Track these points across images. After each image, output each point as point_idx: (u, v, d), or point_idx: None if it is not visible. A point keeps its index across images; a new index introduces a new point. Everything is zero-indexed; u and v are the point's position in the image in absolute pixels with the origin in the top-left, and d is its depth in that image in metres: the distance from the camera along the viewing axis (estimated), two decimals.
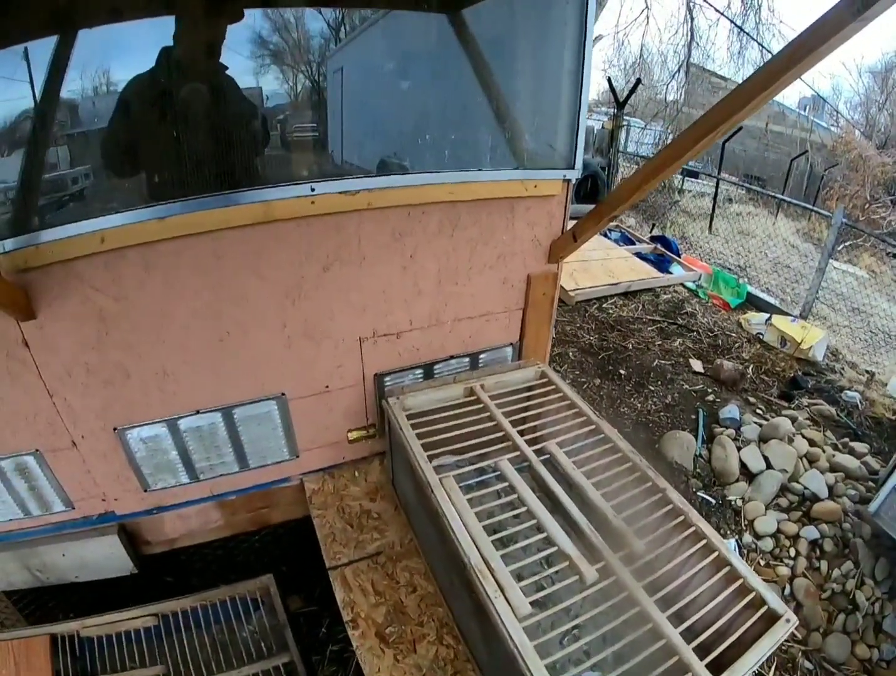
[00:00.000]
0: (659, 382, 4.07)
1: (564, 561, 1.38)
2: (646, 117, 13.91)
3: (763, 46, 10.70)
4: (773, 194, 9.00)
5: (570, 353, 4.28)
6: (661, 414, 3.77)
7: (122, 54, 1.67)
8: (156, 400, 1.82)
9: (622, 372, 4.12)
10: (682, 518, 1.54)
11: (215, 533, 2.21)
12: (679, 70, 12.13)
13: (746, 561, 2.85)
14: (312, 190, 1.61)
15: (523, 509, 1.48)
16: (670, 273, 5.77)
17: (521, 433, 1.76)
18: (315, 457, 2.12)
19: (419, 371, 2.11)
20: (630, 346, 4.45)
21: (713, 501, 3.18)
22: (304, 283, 1.76)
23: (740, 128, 9.62)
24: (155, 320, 1.70)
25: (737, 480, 3.28)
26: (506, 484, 1.55)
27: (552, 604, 1.33)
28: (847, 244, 8.69)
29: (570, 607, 1.33)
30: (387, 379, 2.05)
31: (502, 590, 1.29)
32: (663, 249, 6.27)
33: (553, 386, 1.93)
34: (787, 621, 1.39)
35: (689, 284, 5.77)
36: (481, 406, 1.82)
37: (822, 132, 15.83)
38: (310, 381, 1.94)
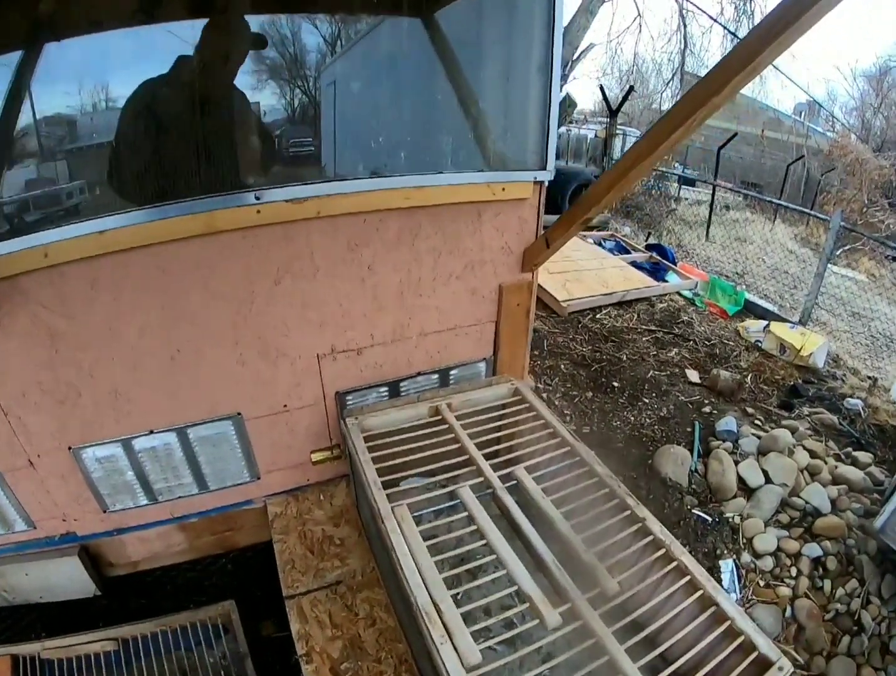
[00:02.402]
0: (653, 394, 3.81)
1: (525, 603, 1.19)
2: (641, 126, 13.70)
3: None
4: (770, 199, 8.74)
5: (562, 366, 4.06)
6: (656, 427, 3.49)
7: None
8: (109, 419, 1.69)
9: (615, 384, 3.88)
10: (663, 551, 1.34)
11: (180, 556, 2.06)
12: (673, 78, 11.89)
13: (745, 582, 2.62)
14: (257, 198, 1.45)
15: (482, 542, 1.30)
16: (666, 281, 5.53)
17: (491, 456, 1.57)
18: (278, 479, 1.95)
19: (384, 389, 1.93)
20: (624, 357, 4.22)
21: (709, 519, 2.93)
22: (255, 298, 1.60)
23: (735, 134, 9.39)
24: (104, 338, 1.57)
25: (734, 496, 3.01)
26: (465, 513, 1.36)
27: (511, 650, 1.14)
28: (846, 248, 8.40)
29: (529, 655, 1.14)
30: (349, 397, 1.88)
31: (450, 635, 1.10)
32: (659, 258, 6.05)
33: (526, 405, 1.75)
34: (780, 669, 1.18)
35: (686, 293, 5.52)
36: (446, 427, 1.64)
37: (819, 137, 15.48)
38: (267, 400, 1.77)
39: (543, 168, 1.79)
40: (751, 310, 5.45)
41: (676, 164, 11.92)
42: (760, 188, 13.44)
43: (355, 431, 1.59)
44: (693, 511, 2.94)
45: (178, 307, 1.57)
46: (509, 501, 1.40)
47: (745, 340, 4.75)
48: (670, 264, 5.94)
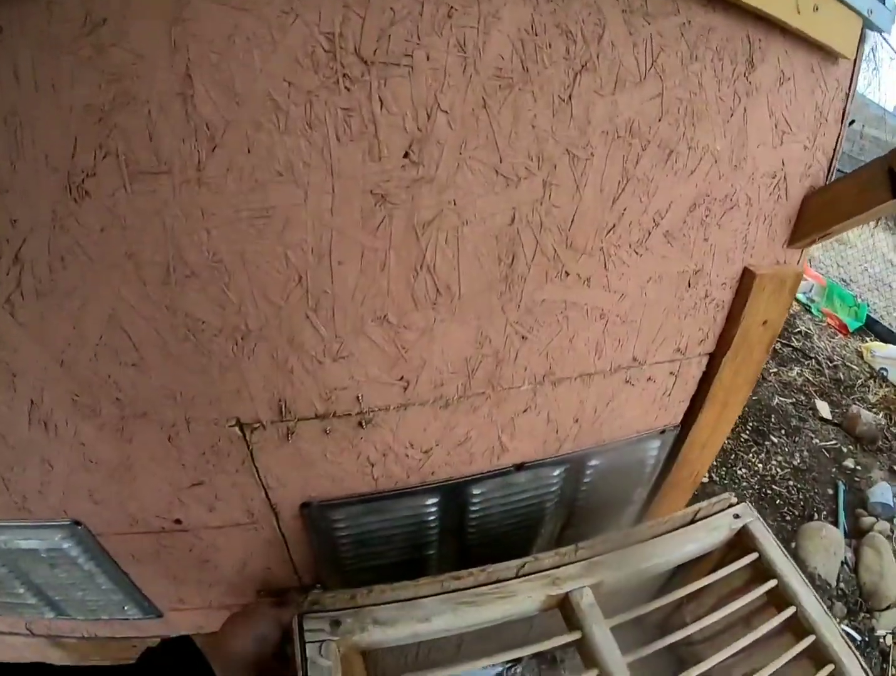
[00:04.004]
0: (782, 431, 2.76)
1: None
2: None
3: None
4: None
5: None
6: (790, 482, 2.41)
7: None
8: None
9: None
10: None
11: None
12: None
13: None
14: None
15: None
16: None
17: None
18: (194, 620, 0.87)
19: (430, 499, 0.75)
20: None
21: (858, 638, 1.80)
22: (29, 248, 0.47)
23: (853, 122, 7.52)
24: None
25: (889, 606, 1.89)
26: None
27: None
28: None
29: None
30: (338, 514, 0.72)
31: None
32: None
33: (773, 583, 0.56)
34: None
35: (800, 296, 4.30)
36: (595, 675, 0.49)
37: None
38: (128, 506, 0.66)
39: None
40: (871, 328, 4.26)
41: None
42: None
43: (329, 667, 0.48)
44: (841, 626, 1.88)
45: None
46: None
47: (868, 366, 3.63)
48: None
